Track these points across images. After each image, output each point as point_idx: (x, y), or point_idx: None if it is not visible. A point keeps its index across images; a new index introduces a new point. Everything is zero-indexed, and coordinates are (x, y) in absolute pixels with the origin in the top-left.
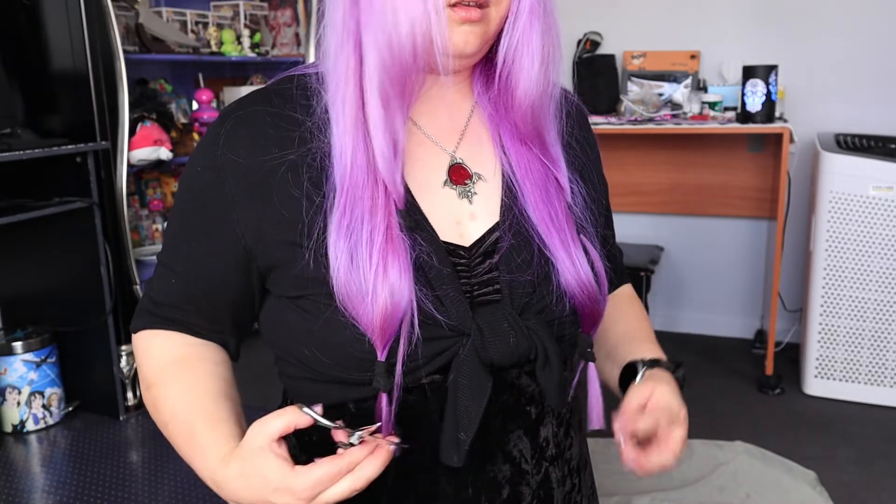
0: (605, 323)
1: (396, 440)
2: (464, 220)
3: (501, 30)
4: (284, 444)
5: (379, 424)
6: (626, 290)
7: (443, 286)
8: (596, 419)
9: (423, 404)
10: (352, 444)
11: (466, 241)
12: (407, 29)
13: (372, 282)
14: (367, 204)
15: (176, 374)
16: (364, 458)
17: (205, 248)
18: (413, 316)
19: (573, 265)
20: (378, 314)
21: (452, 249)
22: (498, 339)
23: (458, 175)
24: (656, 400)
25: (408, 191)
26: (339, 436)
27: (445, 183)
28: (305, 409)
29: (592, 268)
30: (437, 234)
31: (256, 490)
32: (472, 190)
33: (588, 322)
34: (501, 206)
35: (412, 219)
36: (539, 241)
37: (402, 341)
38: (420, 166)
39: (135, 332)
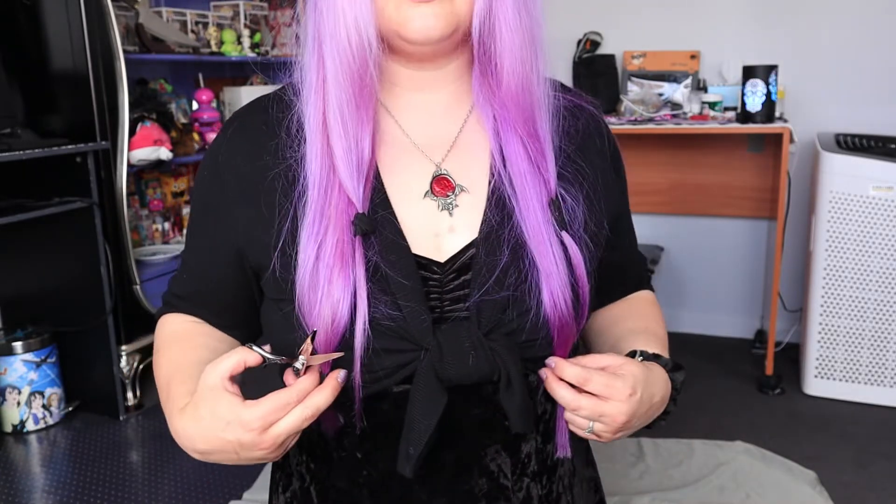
0: (615, 318)
1: (343, 372)
2: (442, 233)
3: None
4: (236, 384)
5: (306, 345)
6: (647, 294)
7: (405, 300)
8: (561, 447)
9: (395, 412)
10: (298, 370)
11: (443, 256)
12: (350, 27)
13: (319, 295)
14: (329, 213)
15: (174, 343)
16: (313, 387)
17: (208, 248)
18: (366, 328)
19: (554, 284)
20: (322, 327)
21: (425, 264)
22: (456, 357)
23: (441, 186)
24: (617, 369)
25: (386, 201)
26: (290, 378)
27: (426, 194)
28: (254, 347)
29: (575, 289)
30: (408, 247)
31: (209, 429)
32: (453, 202)
33: (561, 343)
34: (482, 222)
35: (369, 224)
36: (523, 257)
37: (356, 352)
38: (402, 176)
39: (157, 321)
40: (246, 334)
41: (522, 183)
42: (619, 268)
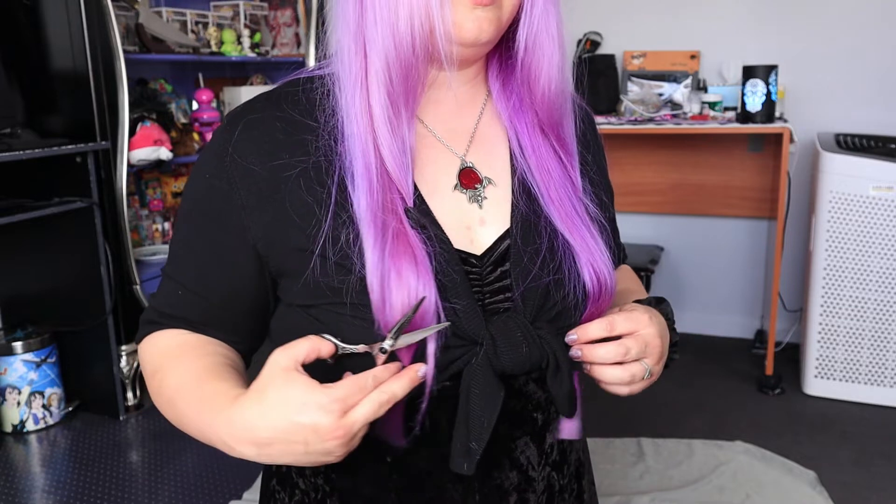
0: None
1: (425, 367)
2: (474, 226)
3: (515, 18)
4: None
5: (398, 329)
6: (624, 266)
7: (456, 296)
8: (568, 429)
9: (434, 411)
10: (383, 352)
11: (477, 249)
12: (406, 19)
13: (384, 286)
14: (385, 207)
15: (179, 354)
16: (389, 377)
17: (215, 258)
18: (439, 314)
19: (596, 261)
20: (397, 318)
21: (465, 257)
22: (511, 348)
23: (469, 179)
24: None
25: (419, 194)
26: (380, 362)
27: (455, 187)
28: (326, 336)
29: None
30: (450, 242)
31: (279, 414)
32: (482, 194)
33: (589, 319)
34: (512, 212)
35: (421, 219)
36: (556, 242)
37: (429, 347)
38: (430, 170)
39: (139, 343)
40: (249, 348)
41: (546, 172)
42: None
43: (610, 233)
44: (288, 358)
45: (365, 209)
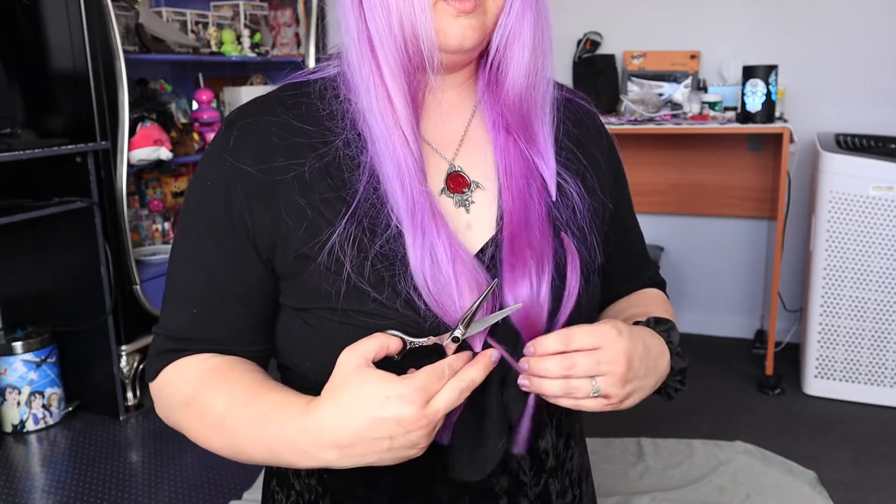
0: (619, 310)
1: (497, 353)
2: (461, 230)
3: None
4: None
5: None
6: (655, 290)
7: None
8: (521, 441)
9: None
10: (455, 341)
11: None
12: (398, 24)
13: (453, 276)
14: (423, 199)
15: (216, 377)
16: (463, 364)
17: (226, 262)
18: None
19: (530, 282)
20: (466, 302)
21: None
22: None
23: (456, 183)
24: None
25: None
26: (450, 353)
27: (443, 191)
28: (393, 332)
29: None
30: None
31: (361, 412)
32: (469, 199)
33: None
34: (498, 217)
35: None
36: (524, 251)
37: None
38: None
39: (155, 377)
40: (268, 357)
41: (509, 176)
42: (629, 266)
43: (595, 240)
44: (358, 356)
45: (403, 207)
